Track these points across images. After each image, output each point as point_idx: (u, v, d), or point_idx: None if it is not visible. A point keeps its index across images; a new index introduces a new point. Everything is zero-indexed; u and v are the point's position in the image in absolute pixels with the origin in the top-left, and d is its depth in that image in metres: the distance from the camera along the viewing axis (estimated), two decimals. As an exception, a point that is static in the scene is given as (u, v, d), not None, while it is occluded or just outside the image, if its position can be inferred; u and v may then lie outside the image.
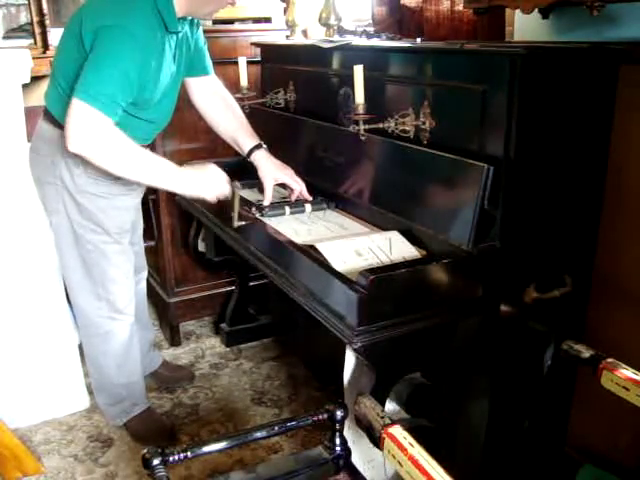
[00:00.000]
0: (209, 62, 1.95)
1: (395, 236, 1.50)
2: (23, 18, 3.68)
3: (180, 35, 1.73)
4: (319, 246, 1.45)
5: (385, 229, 1.60)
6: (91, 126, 1.53)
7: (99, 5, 1.62)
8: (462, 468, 1.11)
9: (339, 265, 1.38)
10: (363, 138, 1.58)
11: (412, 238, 1.51)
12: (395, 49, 1.71)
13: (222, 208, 1.82)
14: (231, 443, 1.24)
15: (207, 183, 1.72)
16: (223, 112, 1.99)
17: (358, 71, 1.50)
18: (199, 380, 2.38)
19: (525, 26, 1.76)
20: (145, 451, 1.13)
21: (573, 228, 1.46)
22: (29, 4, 3.48)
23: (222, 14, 2.39)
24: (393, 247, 1.46)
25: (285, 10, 2.68)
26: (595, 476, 1.41)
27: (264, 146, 1.94)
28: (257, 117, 2.13)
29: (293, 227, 1.58)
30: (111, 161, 1.60)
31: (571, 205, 1.43)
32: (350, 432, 1.33)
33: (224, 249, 2.16)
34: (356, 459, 1.32)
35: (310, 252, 1.44)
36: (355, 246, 1.46)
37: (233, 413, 2.19)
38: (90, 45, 1.56)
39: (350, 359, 1.44)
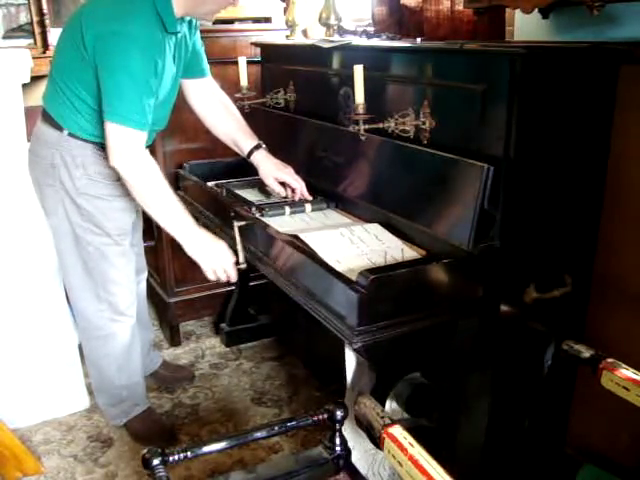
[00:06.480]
0: (206, 64, 1.96)
1: (376, 228, 1.55)
2: (23, 18, 3.67)
3: (179, 36, 1.73)
4: (303, 236, 1.47)
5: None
6: (129, 144, 1.60)
7: (98, 7, 1.62)
8: (462, 468, 1.11)
9: (328, 257, 1.40)
10: (363, 138, 1.57)
11: (412, 237, 1.51)
12: (395, 49, 1.71)
13: (221, 209, 1.82)
14: (231, 443, 1.24)
15: (211, 257, 1.70)
16: (221, 114, 1.99)
17: (358, 71, 1.50)
18: (199, 380, 2.38)
19: (525, 26, 1.76)
20: (145, 451, 1.14)
21: (573, 228, 1.46)
22: (29, 4, 3.47)
23: (222, 14, 2.38)
24: (379, 236, 1.52)
25: (285, 10, 2.68)
26: (595, 476, 1.41)
27: (263, 146, 1.95)
28: (257, 117, 2.13)
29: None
30: (143, 184, 1.63)
31: (571, 205, 1.43)
32: (349, 432, 1.33)
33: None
34: (356, 459, 1.32)
35: (310, 252, 1.44)
36: (339, 235, 1.50)
37: (233, 413, 2.18)
38: (92, 49, 1.56)
39: (351, 359, 1.44)
